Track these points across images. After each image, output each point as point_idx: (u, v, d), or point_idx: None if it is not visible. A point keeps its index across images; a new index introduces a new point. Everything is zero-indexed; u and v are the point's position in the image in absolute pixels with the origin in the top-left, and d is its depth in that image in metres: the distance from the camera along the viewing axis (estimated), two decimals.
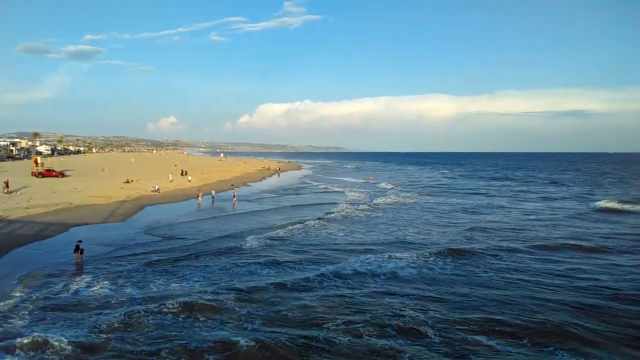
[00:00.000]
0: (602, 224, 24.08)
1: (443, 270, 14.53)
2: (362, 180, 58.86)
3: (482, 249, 17.32)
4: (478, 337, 9.34)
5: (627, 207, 29.96)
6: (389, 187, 47.72)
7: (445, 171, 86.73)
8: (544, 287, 12.77)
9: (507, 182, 55.86)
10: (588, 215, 27.17)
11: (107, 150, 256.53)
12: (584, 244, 18.55)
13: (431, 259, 15.89)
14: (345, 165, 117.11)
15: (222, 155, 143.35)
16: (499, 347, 8.97)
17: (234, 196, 33.73)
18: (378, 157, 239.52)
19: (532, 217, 26.46)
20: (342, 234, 20.76)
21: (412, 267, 14.79)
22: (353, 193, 40.31)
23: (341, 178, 64.08)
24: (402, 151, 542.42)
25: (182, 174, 54.01)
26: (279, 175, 69.54)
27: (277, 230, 21.13)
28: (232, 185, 43.67)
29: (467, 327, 9.82)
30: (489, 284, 13.16)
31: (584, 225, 23.51)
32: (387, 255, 16.14)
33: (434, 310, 10.80)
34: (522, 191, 43.59)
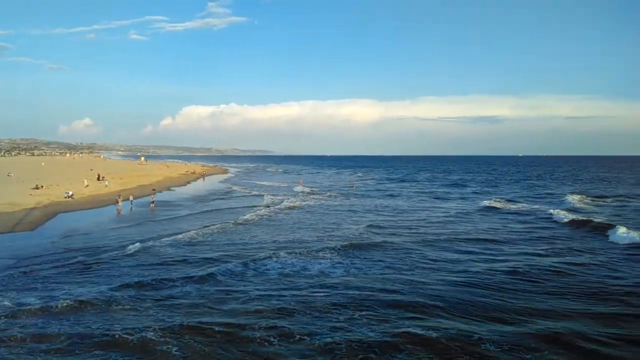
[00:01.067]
0: (481, 219, 27.84)
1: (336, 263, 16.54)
2: (286, 184, 60.67)
3: (373, 244, 19.65)
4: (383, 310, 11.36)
5: (508, 205, 34.38)
6: (307, 190, 49.96)
7: (361, 174, 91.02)
8: (432, 271, 15.30)
9: (414, 183, 60.52)
10: (473, 213, 30.94)
11: (13, 153, 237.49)
12: (462, 236, 21.82)
13: (320, 253, 17.83)
14: (271, 169, 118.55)
15: (142, 158, 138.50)
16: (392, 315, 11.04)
17: (152, 201, 34.02)
18: (304, 161, 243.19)
19: (427, 214, 29.87)
20: (249, 236, 22.03)
21: (295, 264, 16.28)
22: (274, 197, 41.98)
23: (266, 182, 65.53)
24: (328, 154, 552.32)
25: (98, 179, 52.64)
26: (204, 179, 69.59)
27: (190, 233, 22.16)
28: (154, 190, 43.59)
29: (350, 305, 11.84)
30: (369, 271, 15.38)
31: (466, 221, 27.16)
32: (273, 254, 17.47)
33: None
34: (423, 192, 47.70)
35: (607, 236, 21.25)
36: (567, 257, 17.32)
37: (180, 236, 21.39)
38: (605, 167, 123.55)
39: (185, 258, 17.26)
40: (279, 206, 33.80)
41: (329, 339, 9.65)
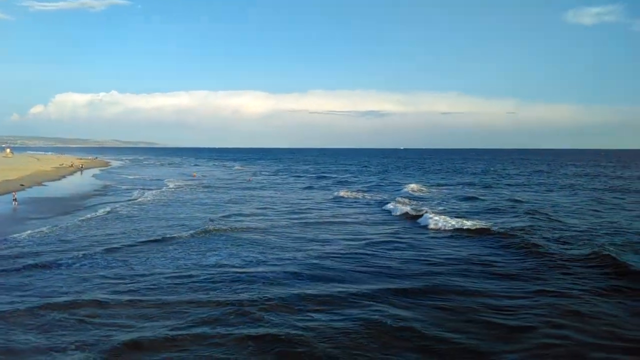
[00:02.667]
0: (328, 207, 32.44)
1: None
2: (165, 178, 60.99)
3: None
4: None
5: (358, 195, 39.96)
6: (180, 183, 51.39)
7: (242, 167, 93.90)
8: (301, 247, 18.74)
9: (285, 176, 65.10)
10: (326, 201, 35.77)
11: None
12: (308, 221, 25.95)
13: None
14: (154, 162, 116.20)
15: (8, 150, 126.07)
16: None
17: (14, 199, 32.71)
18: (191, 153, 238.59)
19: (287, 203, 34.06)
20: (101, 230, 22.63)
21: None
22: (147, 191, 42.97)
23: (145, 175, 65.34)
24: (217, 147, 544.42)
25: None
26: (81, 172, 67.24)
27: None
28: (22, 185, 42.01)
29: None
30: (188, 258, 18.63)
31: (316, 208, 31.74)
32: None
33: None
34: (295, 184, 52.18)
35: (419, 222, 25.00)
36: (381, 238, 20.94)
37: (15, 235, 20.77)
38: (464, 159, 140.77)
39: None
40: (141, 199, 35.37)
41: None
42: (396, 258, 17.29)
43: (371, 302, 12.19)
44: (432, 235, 21.91)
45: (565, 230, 22.09)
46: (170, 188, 45.77)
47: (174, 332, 10.21)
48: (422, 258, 17.28)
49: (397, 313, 11.39)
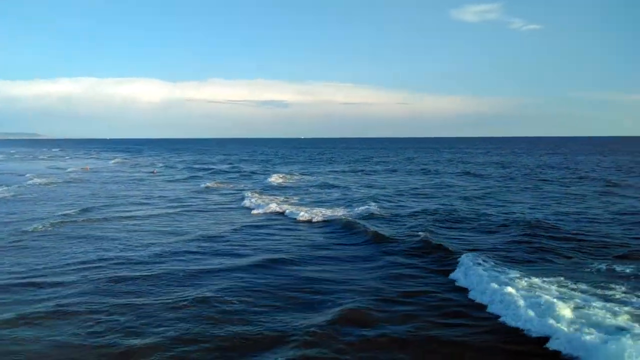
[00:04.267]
0: (199, 197, 33.24)
1: None
2: (28, 173, 56.68)
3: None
4: None
5: (222, 185, 40.76)
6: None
7: (120, 159, 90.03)
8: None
9: (181, 168, 63.95)
10: (195, 192, 36.28)
11: None
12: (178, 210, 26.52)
13: None
14: (35, 154, 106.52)
15: None
16: None
17: None
18: (80, 145, 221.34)
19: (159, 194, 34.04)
20: None
21: None
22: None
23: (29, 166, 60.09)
24: (109, 137, 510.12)
25: None
26: None
27: None
28: None
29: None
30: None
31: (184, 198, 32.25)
32: None
33: None
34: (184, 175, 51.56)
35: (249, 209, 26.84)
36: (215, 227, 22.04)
37: None
38: (353, 148, 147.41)
39: None
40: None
41: None
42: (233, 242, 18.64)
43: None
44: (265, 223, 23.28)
45: (399, 215, 24.38)
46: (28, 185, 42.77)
47: None
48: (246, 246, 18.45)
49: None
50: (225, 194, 35.41)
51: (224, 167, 66.77)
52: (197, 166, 68.20)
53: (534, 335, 9.33)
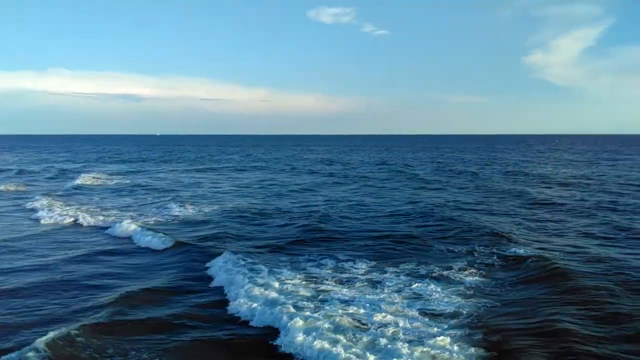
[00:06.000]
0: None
1: None
2: None
3: None
4: None
5: (16, 188, 35.43)
6: None
7: None
8: None
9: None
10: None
11: None
12: None
13: None
14: None
15: None
16: None
17: None
18: None
19: None
20: None
21: None
22: None
23: None
24: None
25: None
26: None
27: None
28: None
29: None
30: None
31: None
32: None
33: None
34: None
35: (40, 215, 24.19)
36: None
37: None
38: (199, 147, 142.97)
39: None
40: None
41: None
42: None
43: None
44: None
45: (198, 216, 23.29)
46: None
47: None
48: None
49: None
50: (13, 197, 30.62)
51: (35, 167, 58.88)
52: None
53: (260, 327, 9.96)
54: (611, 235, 17.49)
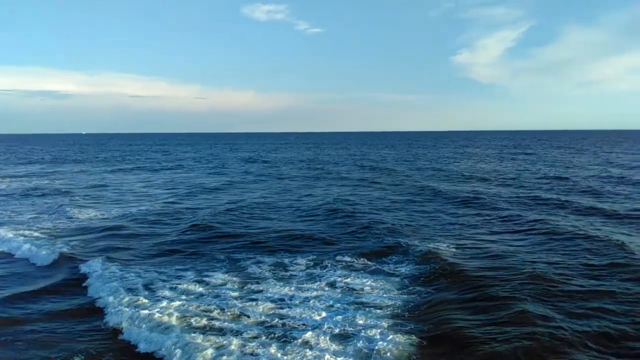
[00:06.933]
0: None
1: None
2: None
3: None
4: None
5: None
6: None
7: None
8: None
9: None
10: None
11: None
12: None
13: None
14: None
15: None
16: None
17: None
18: None
19: None
20: None
21: None
22: None
23: None
24: None
25: None
26: None
27: None
28: None
29: None
30: None
31: None
32: None
33: None
34: None
35: None
36: None
37: None
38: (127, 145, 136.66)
39: None
40: None
41: None
42: None
43: None
44: None
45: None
46: None
47: None
48: None
49: None
50: None
51: None
52: None
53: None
54: (508, 229, 18.37)
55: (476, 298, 10.99)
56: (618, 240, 15.26)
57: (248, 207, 24.54)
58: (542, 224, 18.49)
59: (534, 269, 12.57)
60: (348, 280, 12.35)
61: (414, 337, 9.06)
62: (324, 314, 10.16)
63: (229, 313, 10.39)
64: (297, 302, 10.95)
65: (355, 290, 11.71)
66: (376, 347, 8.56)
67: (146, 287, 12.27)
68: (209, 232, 18.52)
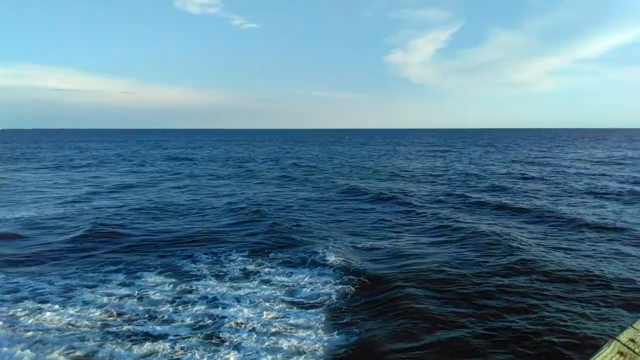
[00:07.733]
0: None
1: None
2: None
3: None
4: None
5: None
6: None
7: None
8: None
9: None
10: None
11: None
12: None
13: None
14: None
15: None
16: None
17: None
18: None
19: None
20: None
21: None
22: None
23: None
24: None
25: None
26: None
27: None
28: None
29: None
30: None
31: None
32: None
33: None
34: None
35: None
36: None
37: None
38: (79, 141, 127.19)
39: None
40: None
41: None
42: None
43: None
44: None
45: None
46: None
47: None
48: None
49: None
50: None
51: None
52: None
53: None
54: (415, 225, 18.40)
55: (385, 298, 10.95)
56: (513, 235, 15.88)
57: (155, 208, 23.17)
58: (442, 220, 19.03)
59: (439, 265, 12.86)
60: (269, 278, 12.31)
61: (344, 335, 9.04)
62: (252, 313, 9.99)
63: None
64: (229, 301, 10.72)
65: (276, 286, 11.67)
66: (306, 346, 8.60)
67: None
68: (109, 234, 17.21)
